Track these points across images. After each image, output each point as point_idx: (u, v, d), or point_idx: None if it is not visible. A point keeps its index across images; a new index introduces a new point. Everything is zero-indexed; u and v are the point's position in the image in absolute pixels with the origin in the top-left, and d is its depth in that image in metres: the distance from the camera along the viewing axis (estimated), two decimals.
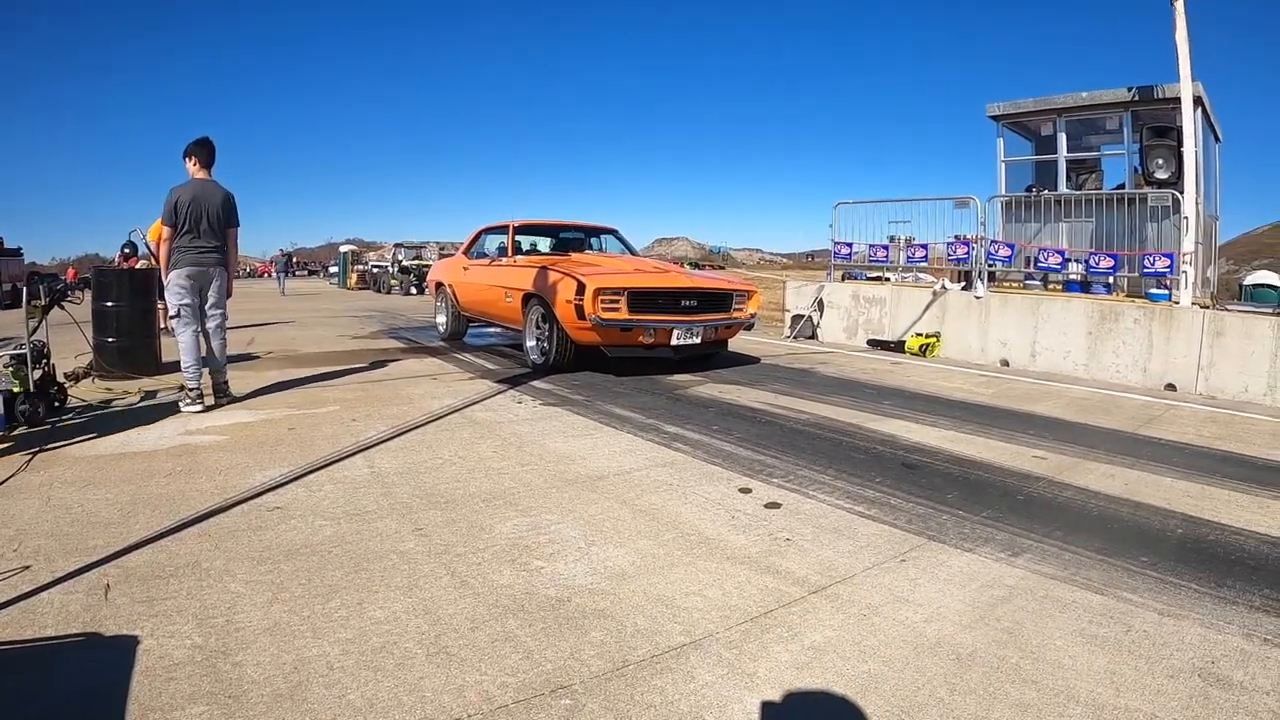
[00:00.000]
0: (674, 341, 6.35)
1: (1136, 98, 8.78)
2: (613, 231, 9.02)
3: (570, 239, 8.78)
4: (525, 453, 3.96)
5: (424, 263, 24.33)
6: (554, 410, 5.06)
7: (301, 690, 1.76)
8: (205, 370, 5.04)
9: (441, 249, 25.28)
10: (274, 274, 32.09)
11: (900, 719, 1.70)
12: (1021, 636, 2.10)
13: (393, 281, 24.42)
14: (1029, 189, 9.87)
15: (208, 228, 4.98)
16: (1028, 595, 2.38)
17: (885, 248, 9.93)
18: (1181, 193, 7.49)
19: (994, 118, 10.09)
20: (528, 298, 6.85)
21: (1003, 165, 10.16)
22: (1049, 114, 9.61)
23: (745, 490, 3.40)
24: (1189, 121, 7.54)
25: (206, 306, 5.11)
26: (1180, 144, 7.74)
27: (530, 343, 6.86)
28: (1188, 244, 7.25)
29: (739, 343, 8.68)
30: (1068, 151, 9.50)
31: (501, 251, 8.12)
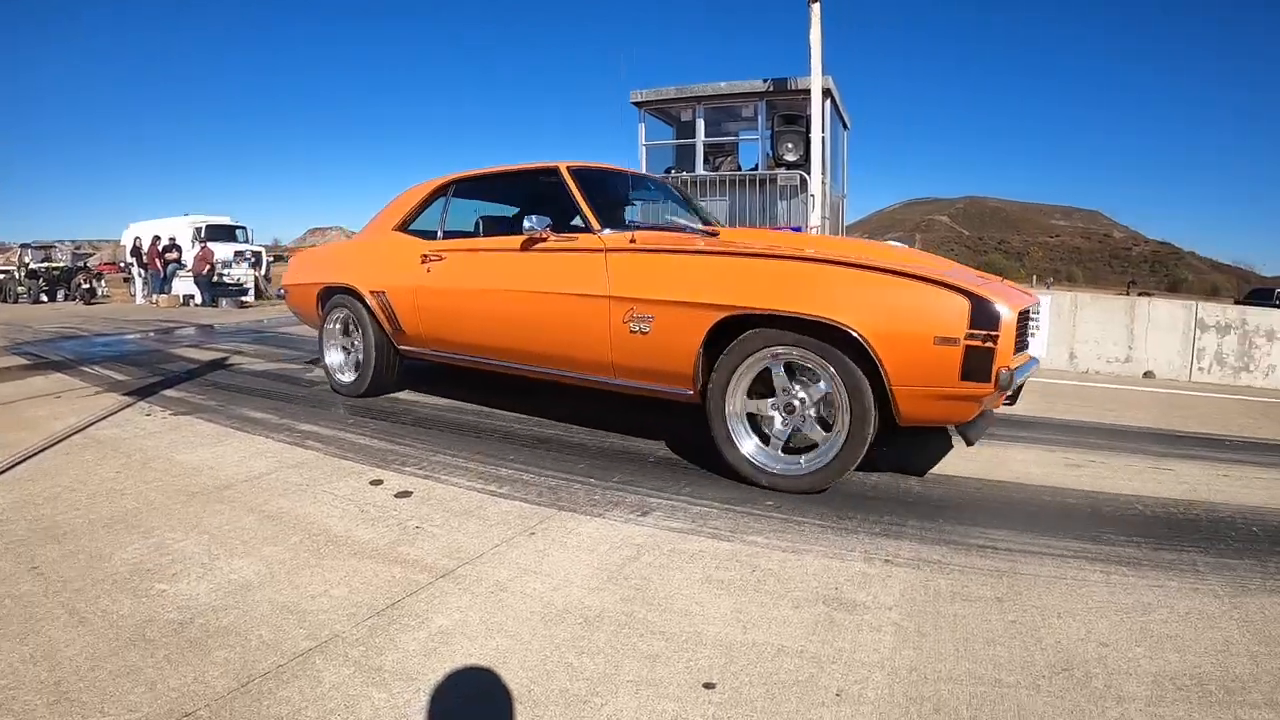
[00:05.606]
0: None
1: (771, 89, 9.86)
2: (662, 184, 5.23)
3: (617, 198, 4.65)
4: (150, 469, 3.49)
5: (54, 265, 21.29)
6: (184, 419, 4.52)
7: None
8: None
9: (77, 248, 21.58)
10: None
11: (530, 689, 1.73)
12: (649, 591, 2.22)
13: (20, 288, 20.64)
14: (668, 170, 10.57)
15: None
16: (655, 551, 2.51)
17: None
18: (809, 173, 8.62)
19: (637, 104, 10.59)
20: (732, 326, 3.17)
21: (644, 148, 10.72)
22: (690, 101, 10.33)
23: (376, 482, 3.30)
24: (817, 111, 8.68)
25: None
26: (809, 130, 8.89)
27: (759, 439, 3.26)
28: (814, 219, 8.40)
29: None
30: (706, 136, 10.32)
31: (558, 224, 3.93)
